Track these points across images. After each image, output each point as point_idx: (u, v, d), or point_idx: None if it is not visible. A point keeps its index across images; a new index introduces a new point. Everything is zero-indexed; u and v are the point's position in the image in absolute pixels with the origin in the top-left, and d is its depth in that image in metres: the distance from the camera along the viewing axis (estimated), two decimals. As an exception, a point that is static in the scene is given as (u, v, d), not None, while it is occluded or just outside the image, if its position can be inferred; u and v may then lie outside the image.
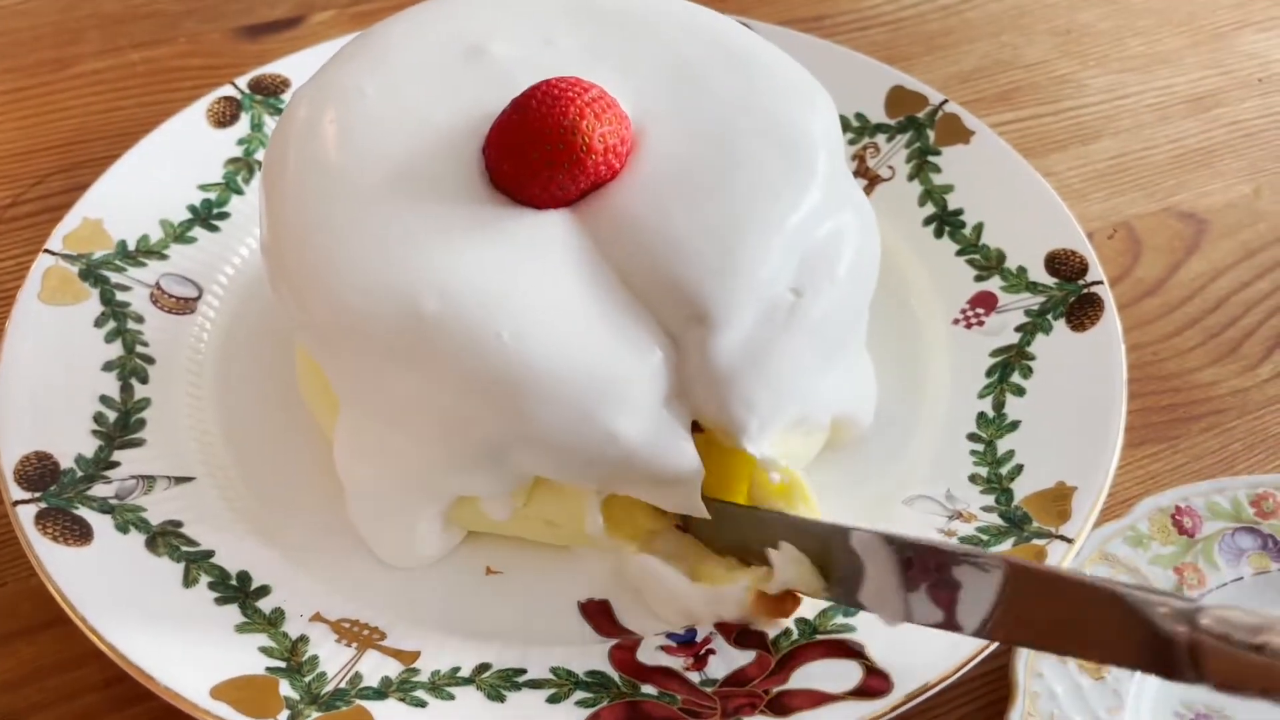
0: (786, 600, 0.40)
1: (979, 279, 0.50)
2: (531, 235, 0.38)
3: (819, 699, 0.38)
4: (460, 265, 0.37)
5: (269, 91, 0.55)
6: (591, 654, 0.40)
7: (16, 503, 0.40)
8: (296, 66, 0.56)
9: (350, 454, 0.41)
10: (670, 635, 0.41)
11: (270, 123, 0.54)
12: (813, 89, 0.42)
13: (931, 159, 0.54)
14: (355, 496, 0.42)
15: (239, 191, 0.52)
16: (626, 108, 0.40)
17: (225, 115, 0.54)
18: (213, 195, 0.51)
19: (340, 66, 0.42)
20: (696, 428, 0.40)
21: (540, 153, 0.38)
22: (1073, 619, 0.33)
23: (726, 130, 0.40)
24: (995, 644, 0.39)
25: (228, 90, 0.54)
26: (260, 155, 0.53)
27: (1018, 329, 0.48)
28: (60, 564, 0.39)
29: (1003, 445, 0.45)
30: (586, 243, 0.39)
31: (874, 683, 0.38)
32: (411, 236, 0.38)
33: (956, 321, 0.49)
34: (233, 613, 0.40)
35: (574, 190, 0.39)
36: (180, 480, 0.43)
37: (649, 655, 0.40)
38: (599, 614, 0.42)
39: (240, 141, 0.53)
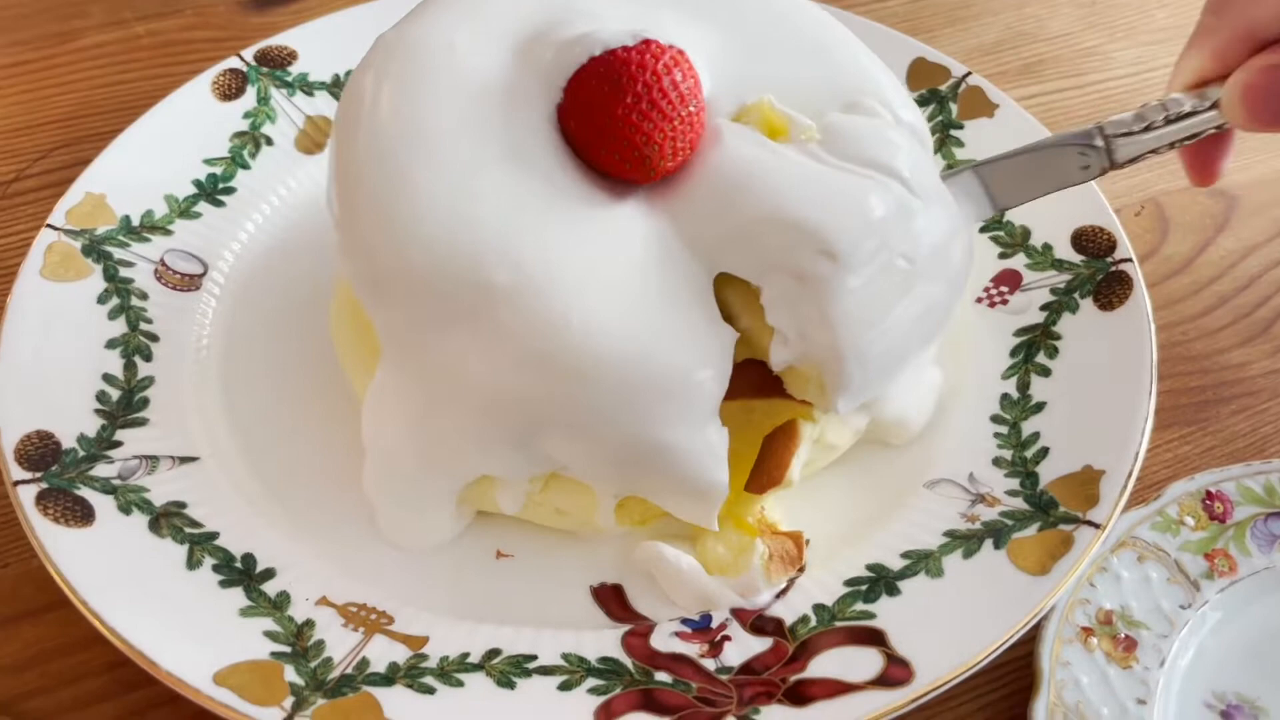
0: (797, 550, 0.40)
1: (1003, 256, 0.49)
2: (613, 220, 0.38)
3: (838, 688, 0.37)
4: (538, 242, 0.36)
5: (276, 64, 0.53)
6: (604, 640, 0.39)
7: (17, 483, 0.40)
8: (303, 39, 0.54)
9: (381, 414, 0.40)
10: (685, 621, 0.40)
11: (278, 95, 0.53)
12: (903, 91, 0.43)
13: (954, 133, 0.53)
14: (375, 461, 0.41)
15: (245, 166, 0.51)
16: (711, 75, 0.39)
17: (231, 88, 0.52)
18: (218, 170, 0.50)
19: (428, 18, 0.40)
20: (736, 394, 0.39)
21: (622, 108, 0.37)
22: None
23: (821, 108, 0.40)
24: (1021, 633, 0.38)
25: (234, 63, 0.53)
26: (267, 129, 0.52)
27: (1043, 307, 0.47)
28: (61, 546, 0.38)
29: (1028, 427, 0.44)
30: (669, 232, 0.38)
31: (895, 671, 0.37)
32: (488, 203, 0.37)
33: (980, 300, 0.48)
34: (237, 596, 0.39)
35: (662, 147, 0.37)
36: (184, 460, 0.42)
37: (663, 641, 0.39)
38: (611, 599, 0.41)
39: (246, 115, 0.52)
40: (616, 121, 0.37)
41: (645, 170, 0.38)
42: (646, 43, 0.38)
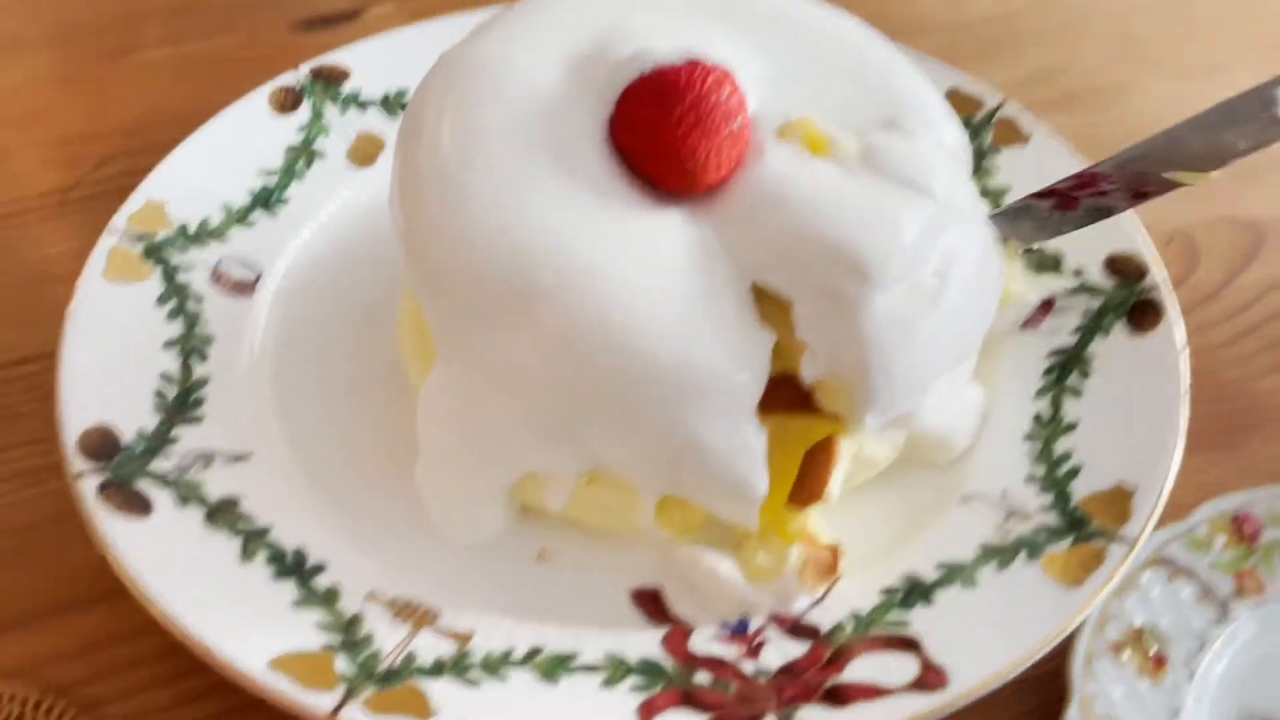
0: (833, 561, 0.40)
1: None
2: (656, 225, 0.39)
3: (875, 692, 0.38)
4: (582, 245, 0.38)
5: (330, 80, 0.55)
6: (645, 640, 0.40)
7: (79, 474, 0.41)
8: (357, 57, 0.56)
9: (436, 409, 0.41)
10: (723, 624, 0.41)
11: (331, 110, 0.54)
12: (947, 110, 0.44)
13: (988, 160, 0.54)
14: (428, 455, 0.42)
15: (299, 177, 0.52)
16: (759, 91, 0.41)
17: (287, 103, 0.54)
18: (273, 180, 0.52)
19: (489, 35, 0.42)
20: (773, 408, 0.40)
21: (673, 119, 0.38)
22: None
23: (863, 126, 0.41)
24: (1054, 643, 0.38)
25: (289, 78, 0.55)
26: (320, 143, 0.53)
27: (1075, 330, 0.48)
28: (121, 535, 0.40)
29: (1060, 446, 0.45)
30: (710, 240, 0.39)
31: (930, 678, 0.38)
32: (538, 208, 0.38)
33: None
34: (289, 588, 0.40)
35: (709, 159, 0.39)
36: (238, 457, 0.43)
37: (702, 643, 0.40)
38: (650, 602, 0.42)
39: (301, 129, 0.54)
40: (664, 136, 0.39)
41: (690, 183, 0.39)
42: (695, 62, 0.39)
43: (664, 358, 0.38)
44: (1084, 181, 0.43)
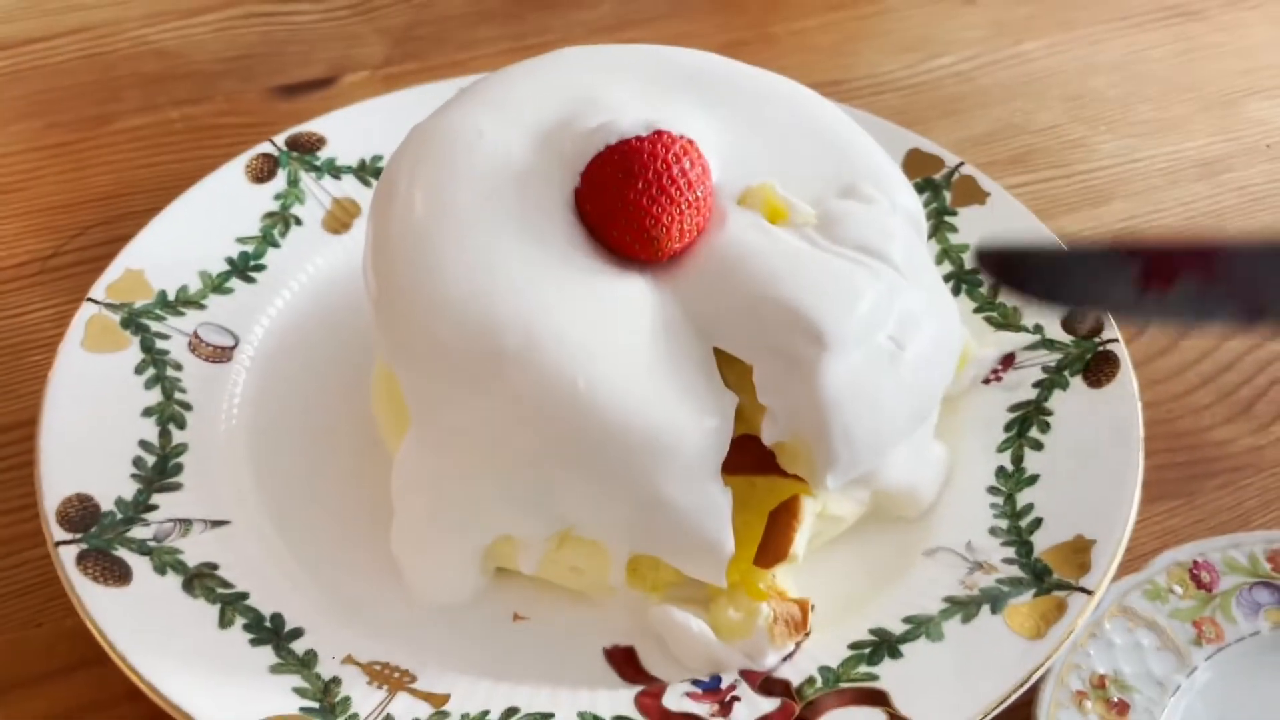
0: (803, 616, 0.41)
1: (997, 335, 0.51)
2: (621, 291, 0.40)
3: (844, 746, 0.38)
4: (549, 311, 0.39)
5: (305, 149, 0.56)
6: (618, 699, 0.41)
7: (59, 543, 0.41)
8: (332, 125, 0.57)
9: (409, 473, 0.42)
10: (695, 682, 0.41)
11: (307, 178, 0.55)
12: (902, 177, 0.45)
13: (948, 219, 0.55)
14: (403, 518, 0.43)
15: (275, 244, 0.53)
16: (720, 160, 0.42)
17: (263, 171, 0.55)
18: (250, 248, 0.53)
19: (459, 108, 0.44)
20: (739, 469, 0.41)
21: (633, 190, 0.40)
22: None
23: (822, 193, 0.42)
24: (1018, 694, 0.39)
25: (266, 147, 0.56)
26: (296, 210, 0.55)
27: (1035, 385, 0.49)
28: (100, 604, 0.40)
29: (1022, 498, 0.46)
30: (673, 305, 0.41)
31: (898, 731, 0.39)
32: (506, 275, 0.40)
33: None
34: (267, 654, 0.40)
35: (669, 232, 0.40)
36: (216, 524, 0.44)
37: (675, 701, 0.41)
38: (624, 661, 0.43)
39: (277, 196, 0.55)
40: (628, 205, 0.40)
41: (653, 250, 0.41)
42: (658, 133, 0.41)
43: (629, 419, 0.39)
44: (1191, 255, 0.29)
